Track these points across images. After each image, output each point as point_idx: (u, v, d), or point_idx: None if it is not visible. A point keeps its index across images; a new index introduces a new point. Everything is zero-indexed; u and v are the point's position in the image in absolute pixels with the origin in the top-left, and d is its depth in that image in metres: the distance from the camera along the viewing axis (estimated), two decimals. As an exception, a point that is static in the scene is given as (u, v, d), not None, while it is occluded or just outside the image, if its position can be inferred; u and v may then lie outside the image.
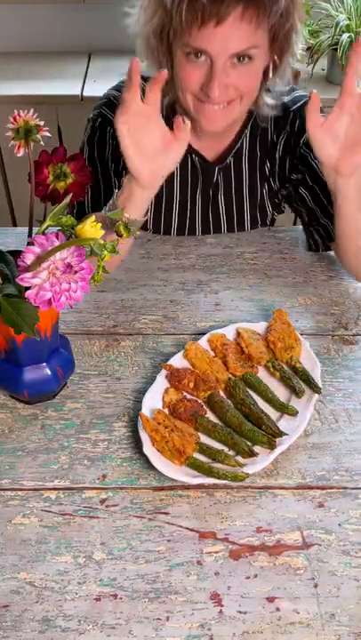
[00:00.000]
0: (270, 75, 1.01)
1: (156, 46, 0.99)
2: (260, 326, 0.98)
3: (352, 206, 0.99)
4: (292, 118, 1.11)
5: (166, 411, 0.85)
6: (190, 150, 1.07)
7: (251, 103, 1.03)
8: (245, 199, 1.19)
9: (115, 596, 0.69)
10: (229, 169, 1.13)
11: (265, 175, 1.15)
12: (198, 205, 1.19)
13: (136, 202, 0.96)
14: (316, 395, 0.88)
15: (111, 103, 1.10)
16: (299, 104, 1.11)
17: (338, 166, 0.95)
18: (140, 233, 1.18)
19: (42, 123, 0.75)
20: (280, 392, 0.89)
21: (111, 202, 0.97)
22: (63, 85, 2.11)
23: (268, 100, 1.06)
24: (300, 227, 1.22)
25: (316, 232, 1.16)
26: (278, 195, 1.20)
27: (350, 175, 0.95)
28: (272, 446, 0.80)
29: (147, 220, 1.19)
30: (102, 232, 0.71)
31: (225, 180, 1.16)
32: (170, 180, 1.12)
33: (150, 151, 0.93)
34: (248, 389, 0.89)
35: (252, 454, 0.80)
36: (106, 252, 0.71)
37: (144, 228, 1.21)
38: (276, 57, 0.99)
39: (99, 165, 1.09)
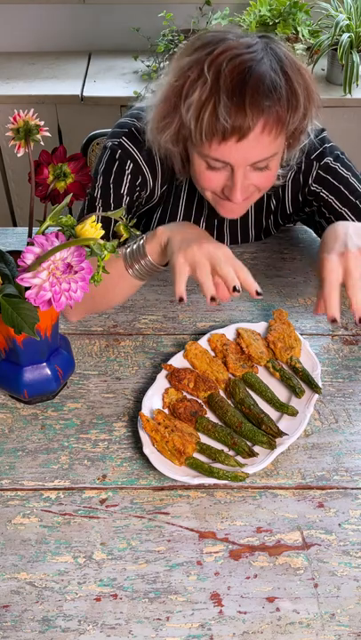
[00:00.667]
0: (284, 155, 1.01)
1: (172, 151, 0.99)
2: (260, 326, 0.98)
3: None
4: (297, 157, 1.08)
5: (166, 411, 0.85)
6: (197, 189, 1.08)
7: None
8: (251, 227, 1.19)
9: (115, 596, 0.69)
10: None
11: (270, 210, 1.16)
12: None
13: (165, 254, 0.97)
14: (316, 395, 0.88)
15: (132, 134, 1.07)
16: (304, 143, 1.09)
17: None
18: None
19: (42, 123, 0.75)
20: (280, 392, 0.89)
21: (136, 245, 0.96)
22: (63, 85, 2.11)
23: (279, 170, 1.06)
24: (302, 226, 1.23)
25: None
26: (286, 224, 1.21)
27: None
28: (272, 446, 0.80)
29: None
30: (102, 232, 0.71)
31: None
32: (175, 205, 1.13)
33: None
34: (248, 389, 0.89)
35: (252, 454, 0.80)
36: (106, 252, 0.71)
37: None
38: (291, 141, 0.99)
39: (112, 194, 1.07)
